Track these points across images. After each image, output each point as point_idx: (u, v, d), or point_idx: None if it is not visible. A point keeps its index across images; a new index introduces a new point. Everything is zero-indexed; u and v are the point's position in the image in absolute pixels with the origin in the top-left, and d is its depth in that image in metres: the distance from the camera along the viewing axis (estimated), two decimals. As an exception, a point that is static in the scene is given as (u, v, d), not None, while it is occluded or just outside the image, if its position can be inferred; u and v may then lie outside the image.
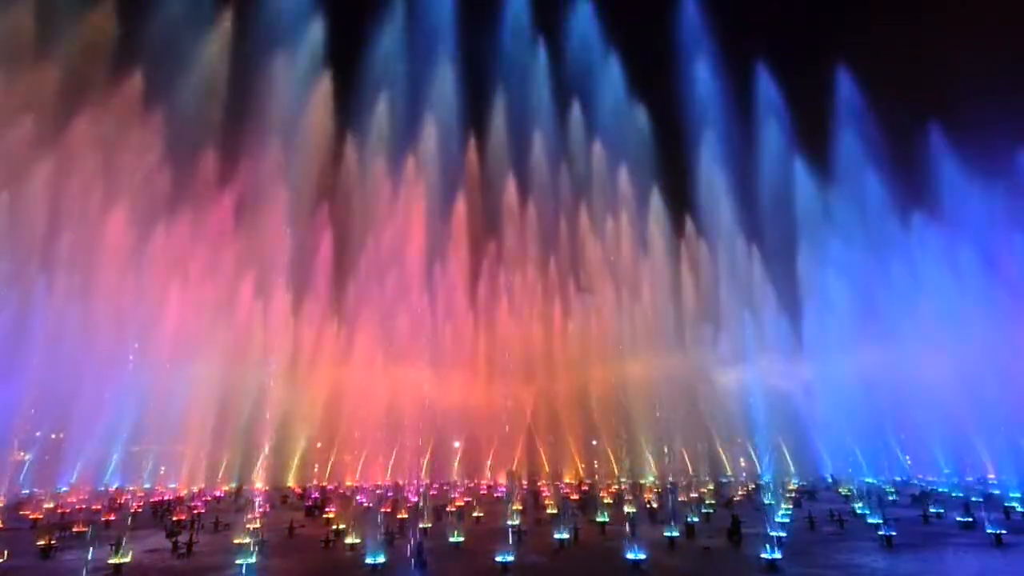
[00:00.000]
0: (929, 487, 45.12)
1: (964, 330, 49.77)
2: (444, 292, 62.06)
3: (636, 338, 61.76)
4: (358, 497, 42.94)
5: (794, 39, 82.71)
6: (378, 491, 46.41)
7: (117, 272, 51.54)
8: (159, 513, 34.94)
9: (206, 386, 54.16)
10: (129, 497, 45.44)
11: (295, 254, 58.00)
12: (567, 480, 57.73)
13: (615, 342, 62.29)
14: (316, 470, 62.57)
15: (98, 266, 50.99)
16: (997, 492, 42.27)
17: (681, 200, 64.77)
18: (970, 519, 27.21)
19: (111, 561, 18.72)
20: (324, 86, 60.25)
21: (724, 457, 63.50)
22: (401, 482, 54.59)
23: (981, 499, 38.75)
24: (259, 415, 56.09)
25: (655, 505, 35.01)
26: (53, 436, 57.44)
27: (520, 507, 33.44)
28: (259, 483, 53.73)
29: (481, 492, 48.86)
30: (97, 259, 50.95)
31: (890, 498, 39.96)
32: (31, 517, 32.43)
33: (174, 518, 31.00)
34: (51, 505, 38.96)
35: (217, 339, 54.66)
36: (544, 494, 43.59)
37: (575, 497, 41.88)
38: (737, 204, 60.60)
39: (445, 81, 60.23)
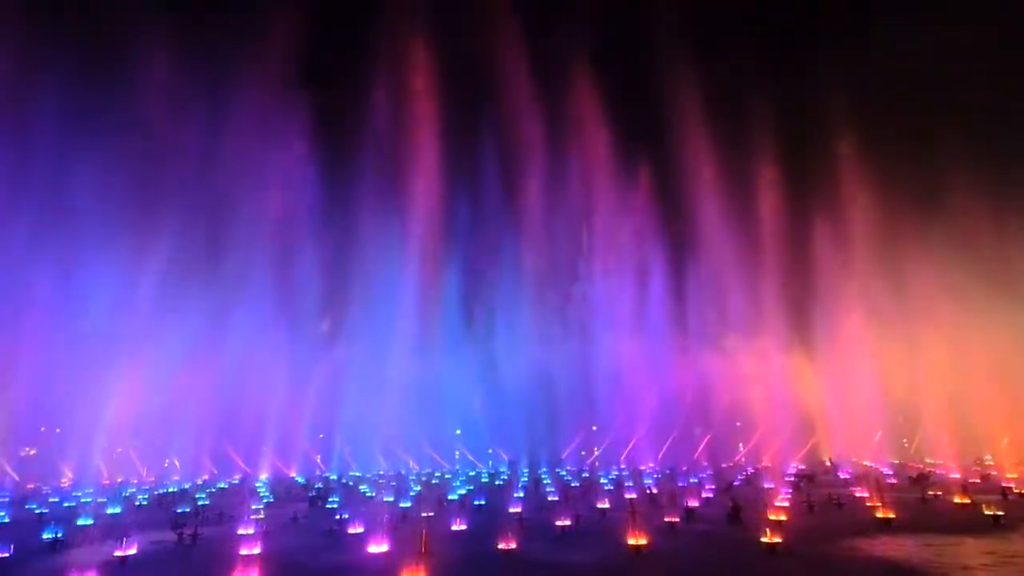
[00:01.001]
0: (927, 468, 45.50)
1: (962, 325, 50.41)
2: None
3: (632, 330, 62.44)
4: (362, 486, 43.30)
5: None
6: (380, 480, 46.82)
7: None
8: (164, 505, 35.22)
9: (209, 380, 54.42)
10: (134, 490, 45.83)
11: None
12: (569, 467, 58.15)
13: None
14: (319, 460, 63.04)
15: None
16: (994, 473, 42.71)
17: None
18: (968, 500, 27.46)
19: (117, 553, 18.89)
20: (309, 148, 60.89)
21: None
22: (404, 471, 55.04)
23: (978, 480, 39.18)
24: (262, 408, 56.48)
25: (655, 490, 35.29)
26: (58, 431, 57.84)
27: (521, 494, 33.71)
28: (263, 474, 54.18)
29: (483, 479, 49.26)
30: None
31: (888, 480, 40.30)
32: (37, 511, 32.66)
33: (178, 510, 31.24)
34: (56, 499, 39.29)
35: (219, 343, 55.14)
36: (546, 481, 43.93)
37: (577, 484, 42.25)
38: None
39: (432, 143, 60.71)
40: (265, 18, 57.12)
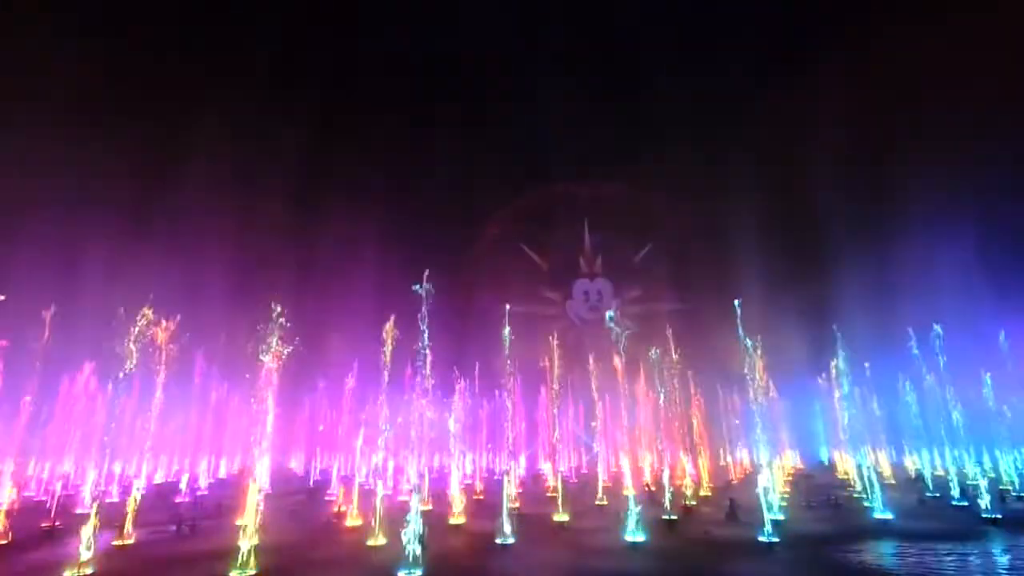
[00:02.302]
0: (924, 470, 45.42)
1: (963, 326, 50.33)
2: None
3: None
4: (358, 479, 43.24)
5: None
6: (379, 473, 46.73)
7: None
8: (163, 496, 35.24)
9: (207, 370, 54.46)
10: (133, 479, 45.86)
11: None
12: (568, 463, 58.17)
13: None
14: (318, 452, 63.08)
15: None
16: (992, 476, 42.62)
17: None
18: (966, 502, 27.43)
19: (115, 543, 18.91)
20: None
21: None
22: (403, 464, 54.99)
23: (976, 483, 39.08)
24: (259, 399, 56.53)
25: (653, 488, 35.28)
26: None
27: (520, 489, 33.75)
28: (261, 466, 54.21)
29: (482, 474, 49.27)
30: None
31: (887, 481, 40.28)
32: (36, 499, 32.73)
33: (177, 500, 31.31)
34: (56, 487, 39.30)
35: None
36: (544, 477, 43.99)
37: (575, 480, 42.30)
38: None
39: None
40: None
